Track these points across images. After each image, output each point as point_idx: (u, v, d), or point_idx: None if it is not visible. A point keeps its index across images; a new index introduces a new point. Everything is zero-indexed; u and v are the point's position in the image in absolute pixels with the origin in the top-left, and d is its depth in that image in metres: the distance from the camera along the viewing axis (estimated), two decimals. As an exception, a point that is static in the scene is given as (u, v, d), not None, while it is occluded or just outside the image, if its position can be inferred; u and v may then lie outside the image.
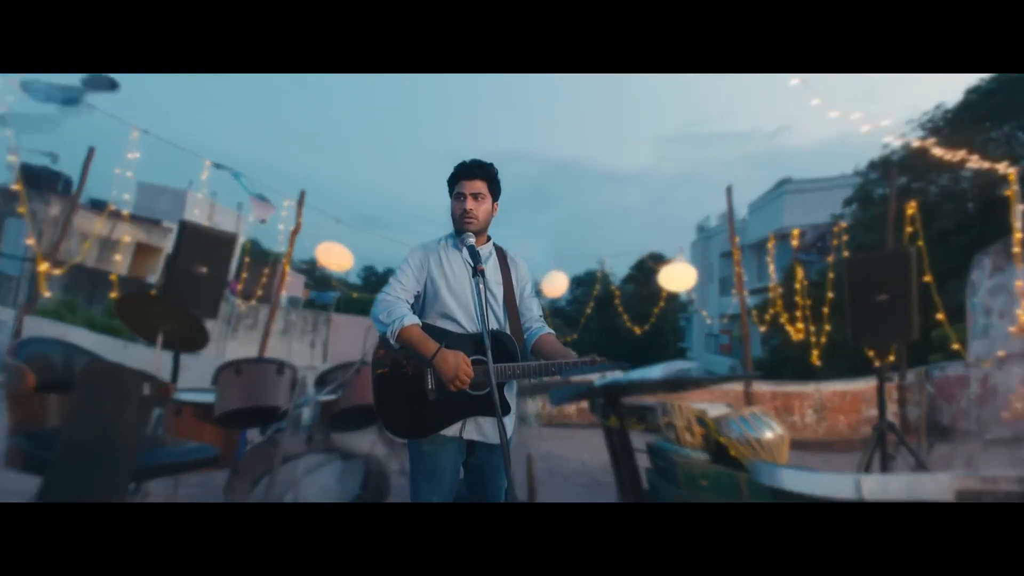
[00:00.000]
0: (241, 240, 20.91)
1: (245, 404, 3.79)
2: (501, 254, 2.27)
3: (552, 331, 2.26)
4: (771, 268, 8.87)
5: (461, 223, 2.15)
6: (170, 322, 3.72)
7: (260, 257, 17.82)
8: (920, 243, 6.30)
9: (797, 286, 7.96)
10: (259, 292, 11.37)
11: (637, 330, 13.28)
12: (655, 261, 29.94)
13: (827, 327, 7.56)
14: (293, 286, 25.35)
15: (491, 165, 2.19)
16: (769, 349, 17.86)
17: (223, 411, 3.80)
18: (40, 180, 14.74)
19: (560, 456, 6.82)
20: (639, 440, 3.87)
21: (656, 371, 3.01)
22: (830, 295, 7.52)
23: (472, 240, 2.12)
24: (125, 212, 6.86)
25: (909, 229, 6.73)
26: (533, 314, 2.29)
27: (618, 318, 15.20)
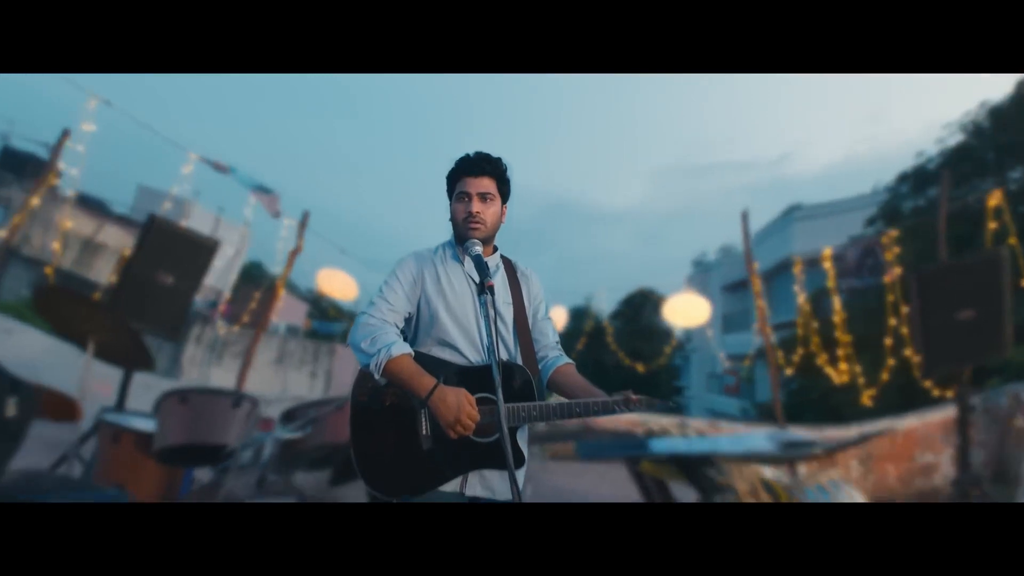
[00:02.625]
0: (241, 260, 20.51)
1: (187, 440, 3.20)
2: (509, 267, 1.93)
3: (572, 360, 1.90)
4: (800, 298, 7.79)
5: (465, 229, 1.80)
6: (102, 331, 3.04)
7: (261, 281, 17.33)
8: (1012, 240, 5.26)
9: (836, 319, 6.94)
10: (245, 317, 10.59)
11: (640, 367, 12.41)
12: (646, 297, 29.32)
13: (891, 361, 6.40)
14: (293, 313, 24.86)
15: (500, 160, 1.85)
16: (787, 392, 16.83)
17: (162, 446, 3.22)
18: (24, 166, 13.75)
19: (574, 492, 5.88)
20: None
21: (760, 440, 2.29)
22: (892, 321, 6.32)
23: (479, 249, 1.77)
24: (72, 192, 6.12)
25: (993, 225, 5.61)
26: (549, 340, 1.93)
27: (607, 354, 14.42)
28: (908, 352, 4.24)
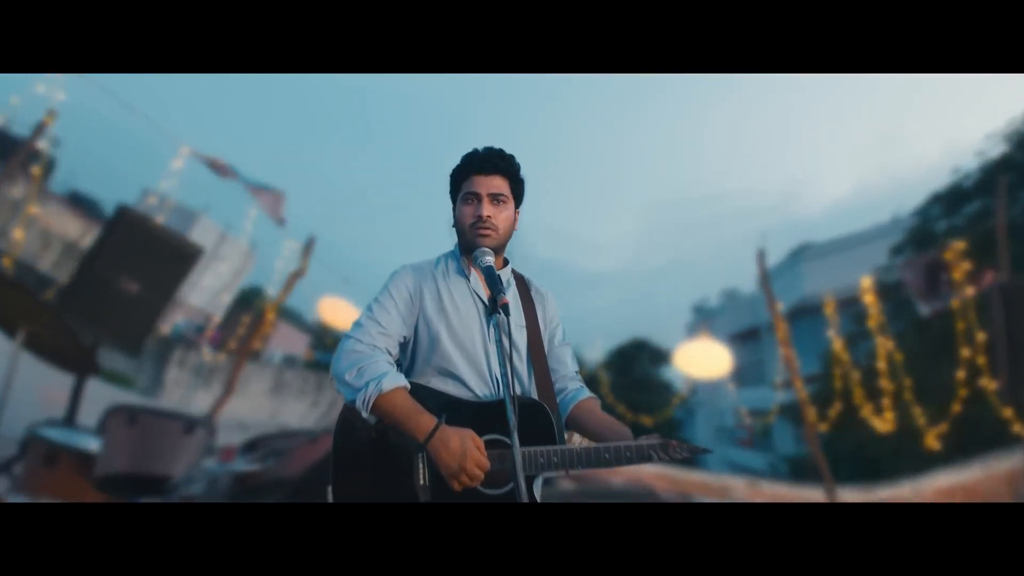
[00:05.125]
0: (239, 282, 20.29)
1: (132, 468, 2.87)
2: (522, 283, 1.72)
3: (594, 395, 1.69)
4: (837, 344, 7.16)
5: (473, 236, 1.59)
6: (33, 321, 2.71)
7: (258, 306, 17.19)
8: None
9: (881, 365, 6.39)
10: (232, 344, 10.27)
11: (648, 420, 11.93)
12: (641, 347, 28.40)
13: (962, 393, 5.64)
14: (293, 343, 24.64)
15: (512, 157, 1.65)
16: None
17: (106, 472, 2.87)
18: (12, 151, 13.73)
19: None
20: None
21: None
22: (964, 352, 5.63)
23: (490, 260, 1.55)
24: (37, 170, 5.71)
25: None
26: (568, 370, 1.72)
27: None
28: (984, 380, 3.77)
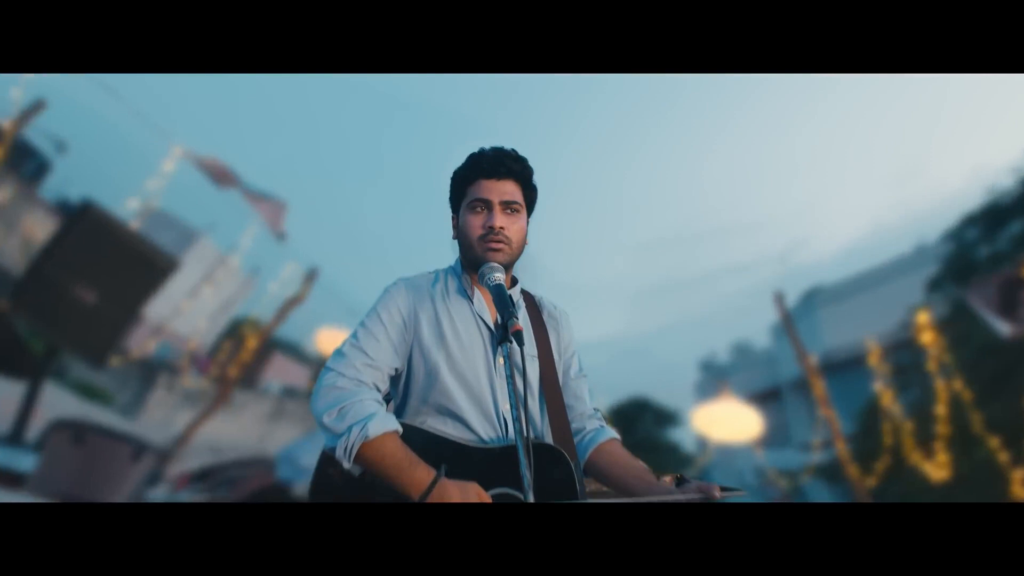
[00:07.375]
0: (231, 312, 20.31)
1: (70, 493, 2.62)
2: (533, 306, 1.59)
3: (616, 434, 1.54)
4: (886, 398, 6.77)
5: (482, 249, 1.46)
6: None
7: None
8: None
9: (941, 410, 6.03)
10: (214, 370, 10.32)
11: (669, 478, 11.50)
12: (642, 407, 27.39)
13: None
14: (293, 375, 24.72)
15: (526, 160, 1.52)
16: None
17: (42, 493, 2.67)
18: None
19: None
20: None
21: None
22: None
23: (500, 277, 1.42)
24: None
25: None
26: (585, 407, 1.58)
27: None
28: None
